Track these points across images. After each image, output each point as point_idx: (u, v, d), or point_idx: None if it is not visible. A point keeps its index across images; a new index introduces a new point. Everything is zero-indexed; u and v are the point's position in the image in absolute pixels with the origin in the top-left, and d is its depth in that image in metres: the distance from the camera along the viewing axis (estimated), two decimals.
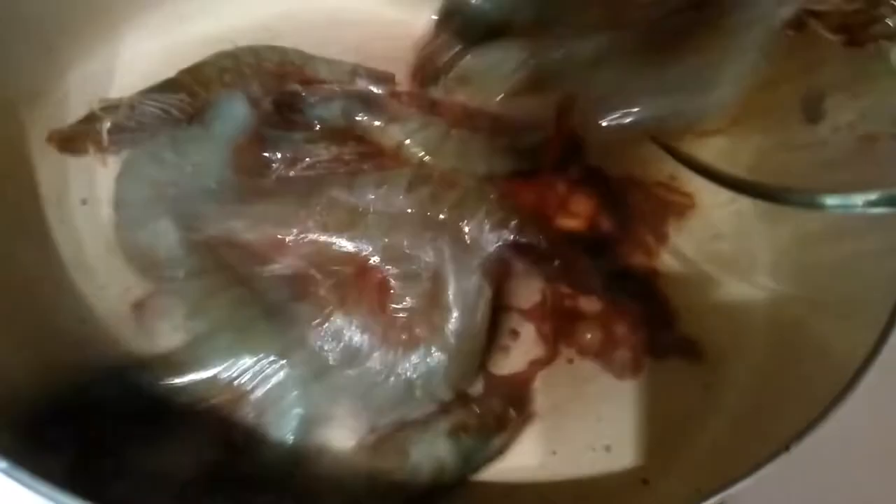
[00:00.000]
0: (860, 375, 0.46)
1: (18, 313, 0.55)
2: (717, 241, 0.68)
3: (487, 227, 0.57)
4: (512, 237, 0.57)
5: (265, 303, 0.53)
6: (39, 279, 0.58)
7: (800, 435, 0.45)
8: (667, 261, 0.67)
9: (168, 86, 0.66)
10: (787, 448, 0.45)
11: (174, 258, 0.55)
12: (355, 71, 0.68)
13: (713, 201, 0.69)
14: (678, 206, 0.71)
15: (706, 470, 0.55)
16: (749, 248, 0.67)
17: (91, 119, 0.64)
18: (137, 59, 0.69)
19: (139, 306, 0.56)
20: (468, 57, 0.66)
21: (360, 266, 0.56)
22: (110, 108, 0.64)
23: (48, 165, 0.63)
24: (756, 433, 0.54)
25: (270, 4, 0.76)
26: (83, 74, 0.68)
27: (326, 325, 0.53)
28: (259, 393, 0.52)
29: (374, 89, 0.68)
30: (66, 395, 0.48)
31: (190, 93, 0.65)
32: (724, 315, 0.64)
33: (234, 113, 0.62)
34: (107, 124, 0.63)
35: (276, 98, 0.64)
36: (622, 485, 0.57)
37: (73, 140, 0.64)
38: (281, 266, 0.55)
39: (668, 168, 0.70)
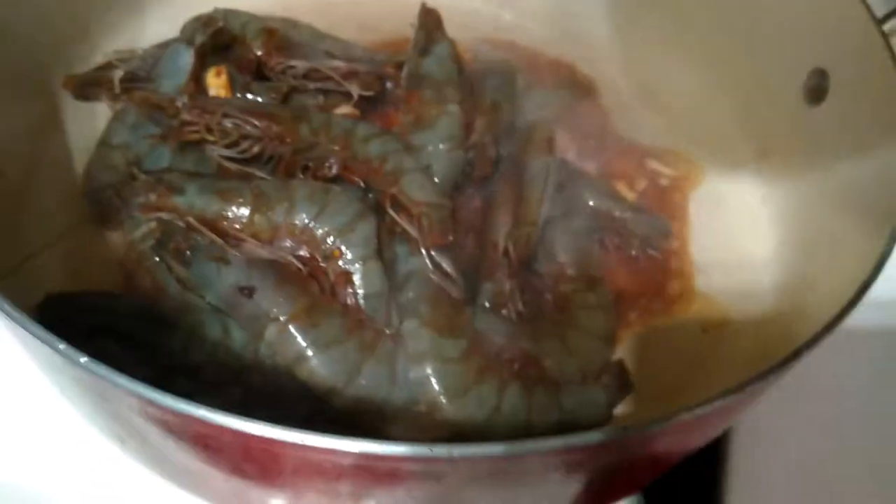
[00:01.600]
0: (844, 315, 0.45)
1: None
2: (722, 204, 0.69)
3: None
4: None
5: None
6: None
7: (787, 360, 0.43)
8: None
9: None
10: (773, 371, 0.43)
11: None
12: (354, 66, 0.67)
13: (717, 171, 0.71)
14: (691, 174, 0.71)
15: None
16: (750, 208, 0.68)
17: (105, 67, 0.67)
18: (163, 35, 0.72)
19: None
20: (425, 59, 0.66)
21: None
22: (124, 58, 0.67)
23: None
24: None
25: None
26: (112, 50, 0.71)
27: None
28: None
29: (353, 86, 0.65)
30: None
31: None
32: (729, 276, 0.65)
33: (179, 65, 0.64)
34: (120, 72, 0.66)
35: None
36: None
37: (87, 86, 0.67)
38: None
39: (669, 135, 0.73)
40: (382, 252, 0.55)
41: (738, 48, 0.71)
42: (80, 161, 0.65)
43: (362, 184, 0.59)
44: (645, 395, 0.58)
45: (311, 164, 0.59)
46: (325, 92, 0.67)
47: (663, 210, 0.69)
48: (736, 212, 0.69)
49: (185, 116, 0.59)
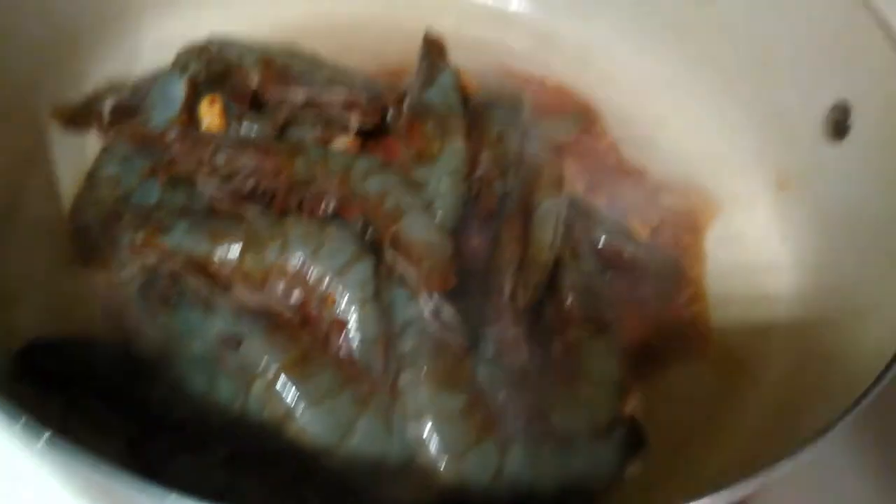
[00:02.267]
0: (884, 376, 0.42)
1: None
2: (738, 241, 0.66)
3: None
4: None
5: None
6: None
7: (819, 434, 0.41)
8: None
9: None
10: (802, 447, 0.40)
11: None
12: (354, 96, 0.64)
13: (733, 203, 0.68)
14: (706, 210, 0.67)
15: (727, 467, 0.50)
16: (769, 246, 0.65)
17: (95, 97, 0.64)
18: (157, 63, 0.69)
19: None
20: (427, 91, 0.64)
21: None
22: (115, 87, 0.64)
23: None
24: (776, 434, 0.49)
25: (292, 10, 0.78)
26: (105, 75, 0.69)
27: None
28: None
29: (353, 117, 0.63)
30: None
31: None
32: (746, 319, 0.61)
33: (171, 95, 0.62)
34: (110, 103, 0.63)
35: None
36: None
37: (76, 116, 0.64)
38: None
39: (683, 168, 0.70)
40: (380, 295, 0.52)
41: (757, 79, 0.69)
42: (68, 195, 0.63)
43: (360, 222, 0.56)
44: (658, 451, 0.54)
45: (307, 200, 0.57)
46: (325, 122, 0.64)
47: (678, 247, 0.66)
48: (754, 250, 0.66)
49: (176, 150, 0.56)
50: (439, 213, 0.57)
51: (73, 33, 0.68)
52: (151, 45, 0.72)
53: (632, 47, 0.77)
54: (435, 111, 0.62)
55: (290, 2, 0.79)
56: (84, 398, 0.48)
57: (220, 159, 0.56)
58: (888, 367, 0.43)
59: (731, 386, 0.58)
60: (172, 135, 0.56)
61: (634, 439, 0.53)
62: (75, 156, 0.64)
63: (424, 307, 0.50)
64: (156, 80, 0.64)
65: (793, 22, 0.64)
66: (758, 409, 0.56)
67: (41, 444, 0.31)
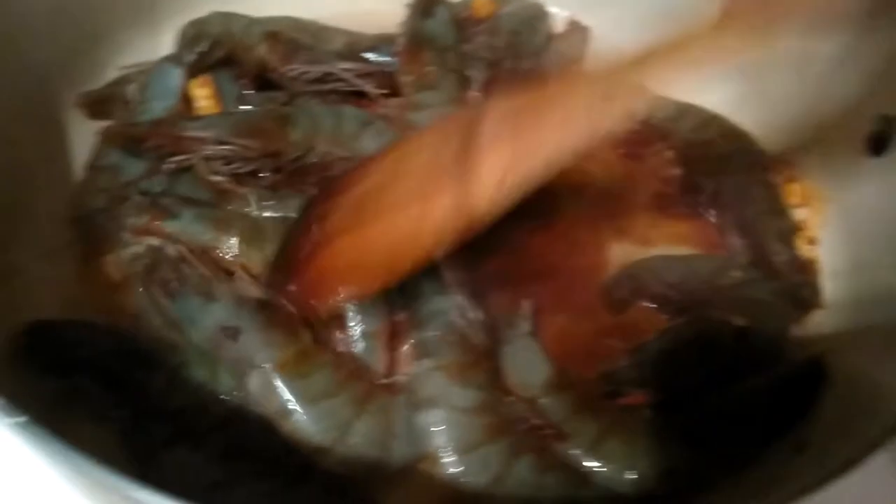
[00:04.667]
0: None
1: None
2: None
3: None
4: None
5: None
6: None
7: None
8: None
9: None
10: None
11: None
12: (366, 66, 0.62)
13: None
14: None
15: None
16: None
17: (119, 82, 0.63)
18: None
19: None
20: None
21: None
22: (137, 72, 0.63)
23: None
24: None
25: None
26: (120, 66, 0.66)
27: None
28: None
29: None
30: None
31: None
32: None
33: (169, 85, 0.60)
34: (134, 85, 0.62)
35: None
36: None
37: (101, 103, 0.62)
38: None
39: None
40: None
41: None
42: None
43: None
44: None
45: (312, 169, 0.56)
46: (340, 94, 0.63)
47: None
48: None
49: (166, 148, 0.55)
50: None
51: (93, 27, 0.65)
52: (170, 36, 0.69)
53: None
54: (435, 41, 0.62)
55: None
56: (82, 383, 0.47)
57: (211, 150, 0.54)
58: None
59: None
60: (157, 134, 0.55)
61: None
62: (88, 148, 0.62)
63: (453, 304, 0.48)
64: (154, 71, 0.62)
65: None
66: None
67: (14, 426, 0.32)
